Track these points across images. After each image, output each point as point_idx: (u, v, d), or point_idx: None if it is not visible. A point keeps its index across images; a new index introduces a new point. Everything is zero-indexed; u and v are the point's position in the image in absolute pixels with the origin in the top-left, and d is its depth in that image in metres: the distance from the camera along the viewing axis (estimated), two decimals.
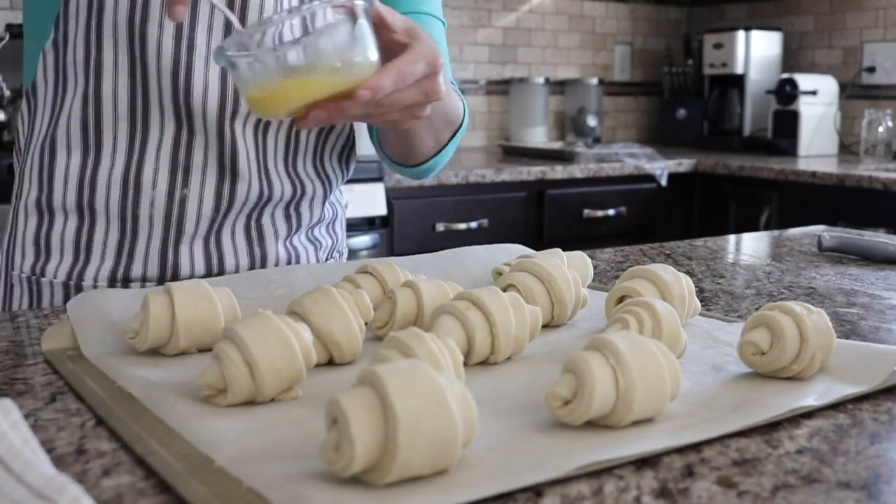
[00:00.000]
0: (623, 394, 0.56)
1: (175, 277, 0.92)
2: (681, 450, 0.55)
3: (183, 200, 0.91)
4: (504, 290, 0.80)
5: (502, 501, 0.48)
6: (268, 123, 0.92)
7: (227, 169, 0.91)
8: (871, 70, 3.25)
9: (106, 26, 0.86)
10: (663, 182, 2.82)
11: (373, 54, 0.70)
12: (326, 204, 1.03)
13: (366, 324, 0.75)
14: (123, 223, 0.91)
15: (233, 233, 0.94)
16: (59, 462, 0.52)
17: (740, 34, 3.30)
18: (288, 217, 0.97)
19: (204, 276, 0.93)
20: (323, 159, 0.99)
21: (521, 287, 0.81)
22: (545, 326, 0.81)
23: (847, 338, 0.78)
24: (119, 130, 0.89)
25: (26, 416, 0.59)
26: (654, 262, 1.17)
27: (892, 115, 3.05)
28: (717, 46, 3.36)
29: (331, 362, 0.70)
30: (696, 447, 0.55)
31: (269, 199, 0.94)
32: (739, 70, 3.32)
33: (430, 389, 0.48)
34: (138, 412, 0.59)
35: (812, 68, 3.45)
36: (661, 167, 2.83)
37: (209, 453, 0.52)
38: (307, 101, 0.69)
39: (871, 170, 2.67)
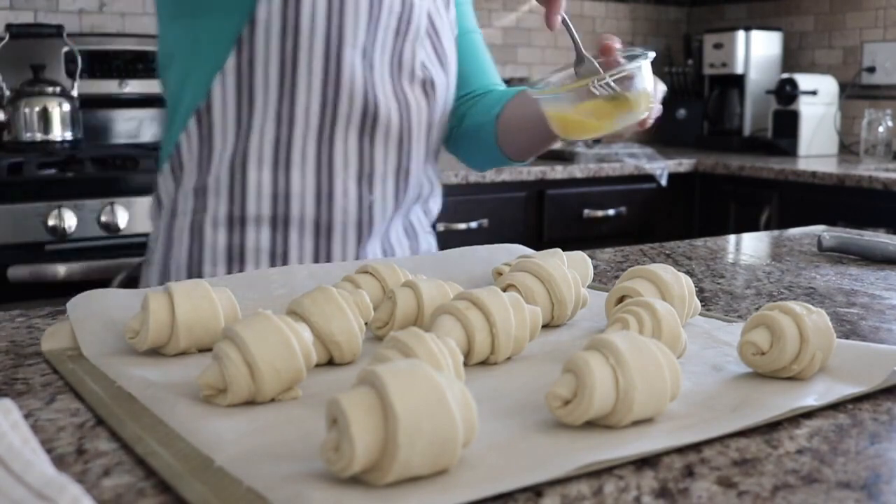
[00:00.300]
0: (623, 394, 0.56)
1: None
2: (681, 450, 0.55)
3: (370, 206, 1.03)
4: (504, 290, 0.80)
5: (502, 501, 0.48)
6: (437, 138, 1.09)
7: (402, 175, 1.05)
8: (871, 70, 3.25)
9: (302, 49, 0.94)
10: (663, 182, 2.82)
11: (650, 88, 0.89)
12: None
13: (366, 324, 0.75)
14: (317, 230, 1.01)
15: (396, 231, 1.09)
16: (59, 462, 0.52)
17: (740, 34, 3.30)
18: (426, 212, 1.15)
19: None
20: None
21: (521, 287, 0.81)
22: (545, 326, 0.81)
23: (847, 338, 0.78)
24: (308, 146, 0.98)
25: (26, 416, 0.59)
26: (654, 262, 1.17)
27: (892, 115, 3.05)
28: (717, 46, 3.36)
29: (331, 362, 0.70)
30: (696, 447, 0.55)
31: (419, 196, 1.11)
32: (739, 70, 3.32)
33: (430, 389, 0.48)
34: (138, 412, 0.59)
35: (812, 68, 3.45)
36: (661, 167, 2.83)
37: (209, 453, 0.52)
38: (609, 129, 0.88)
39: (871, 170, 2.67)
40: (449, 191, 2.69)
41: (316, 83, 0.96)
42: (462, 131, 1.16)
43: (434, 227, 1.20)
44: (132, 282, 1.25)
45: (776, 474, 0.51)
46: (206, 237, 1.00)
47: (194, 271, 1.01)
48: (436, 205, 1.15)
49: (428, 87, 1.05)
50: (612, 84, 0.84)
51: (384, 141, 1.01)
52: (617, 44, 0.90)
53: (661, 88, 0.94)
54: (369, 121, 0.98)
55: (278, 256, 1.00)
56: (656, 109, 0.93)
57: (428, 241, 1.16)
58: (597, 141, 3.33)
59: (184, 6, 1.00)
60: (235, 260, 1.00)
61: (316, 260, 1.01)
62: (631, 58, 0.89)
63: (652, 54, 0.88)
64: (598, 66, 0.88)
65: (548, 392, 0.57)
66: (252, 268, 1.00)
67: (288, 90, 0.96)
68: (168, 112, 1.06)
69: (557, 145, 1.15)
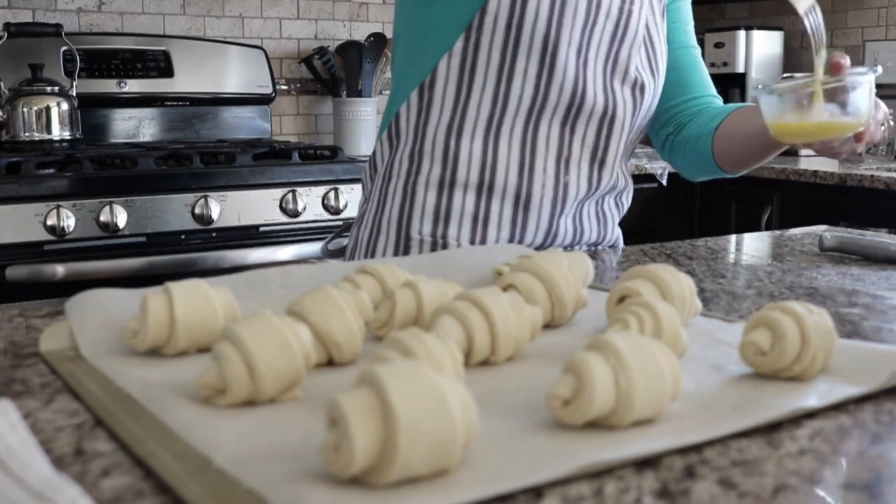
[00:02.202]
0: (623, 394, 0.56)
1: (552, 244, 1.15)
2: (682, 450, 0.54)
3: (566, 185, 1.13)
4: (504, 290, 0.80)
5: (502, 502, 0.47)
6: (635, 139, 1.19)
7: (596, 164, 1.14)
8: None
9: (523, 41, 1.06)
10: (664, 182, 2.82)
11: (871, 108, 0.94)
12: None
13: (366, 324, 0.75)
14: (517, 200, 1.11)
15: (588, 212, 1.17)
16: (57, 463, 0.52)
17: (741, 33, 3.30)
18: (618, 205, 1.23)
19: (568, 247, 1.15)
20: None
21: (521, 287, 0.81)
22: (545, 326, 0.81)
23: (849, 338, 0.78)
24: (516, 125, 1.10)
25: (25, 417, 0.59)
26: (655, 262, 1.17)
27: (894, 114, 3.05)
28: (718, 45, 3.35)
29: (330, 363, 0.70)
30: (697, 448, 0.55)
31: (614, 187, 1.18)
32: (740, 69, 3.32)
33: (430, 390, 0.48)
34: (137, 413, 0.59)
35: (813, 67, 3.45)
36: (662, 167, 2.82)
37: (208, 454, 0.52)
38: (824, 136, 0.94)
39: (872, 170, 2.66)
40: None
41: (532, 72, 1.07)
42: (679, 140, 1.25)
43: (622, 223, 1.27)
44: (341, 238, 1.34)
45: (777, 475, 0.51)
46: (418, 197, 1.12)
47: (403, 227, 1.12)
48: (627, 200, 1.24)
49: (637, 89, 1.14)
50: (834, 86, 0.90)
51: (583, 130, 1.12)
52: (846, 61, 0.94)
53: (885, 110, 0.99)
54: (573, 111, 1.09)
55: (479, 220, 1.11)
56: (875, 130, 0.97)
57: (616, 232, 1.24)
58: None
59: None
60: (441, 220, 1.11)
61: (513, 228, 1.12)
62: (856, 75, 0.92)
63: (879, 69, 0.93)
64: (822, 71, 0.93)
65: (548, 392, 0.57)
66: (455, 229, 1.11)
67: (506, 75, 1.07)
68: (392, 86, 1.19)
69: (768, 160, 1.17)
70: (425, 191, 1.12)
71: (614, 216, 1.22)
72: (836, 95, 0.91)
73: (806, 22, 0.94)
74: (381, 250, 1.14)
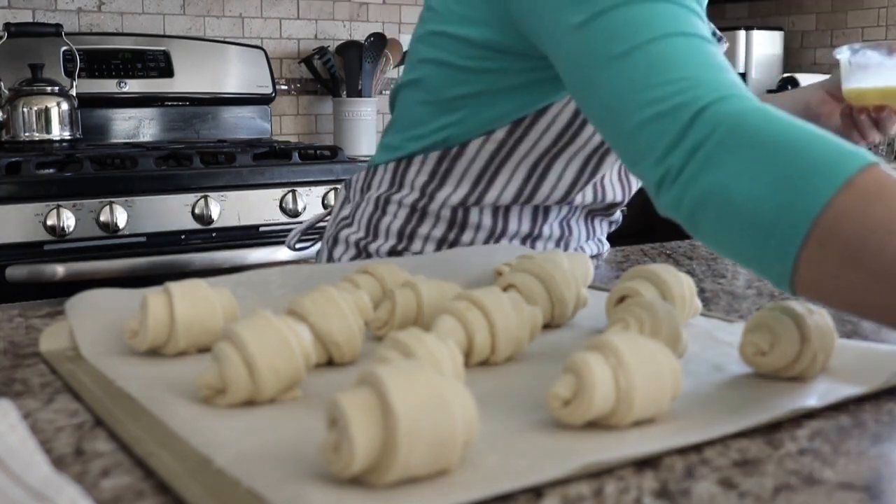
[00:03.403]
0: (623, 394, 0.56)
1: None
2: (681, 450, 0.54)
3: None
4: (504, 290, 0.80)
5: (502, 502, 0.47)
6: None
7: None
8: None
9: (573, 147, 1.02)
10: None
11: None
12: None
13: (366, 324, 0.75)
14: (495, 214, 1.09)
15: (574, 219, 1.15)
16: (57, 463, 0.52)
17: (741, 33, 3.30)
18: (611, 223, 1.24)
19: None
20: None
21: (521, 287, 0.81)
22: (545, 326, 0.81)
23: (849, 338, 0.78)
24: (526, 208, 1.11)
25: (25, 417, 0.59)
26: (655, 262, 1.17)
27: None
28: None
29: (330, 363, 0.70)
30: (697, 448, 0.55)
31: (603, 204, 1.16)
32: (740, 69, 3.32)
33: (430, 390, 0.48)
34: (137, 412, 0.59)
35: (813, 67, 3.45)
36: None
37: (208, 454, 0.52)
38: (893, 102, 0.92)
39: None
40: None
41: (568, 177, 1.06)
42: None
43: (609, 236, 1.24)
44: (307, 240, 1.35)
45: (777, 475, 0.51)
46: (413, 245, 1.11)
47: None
48: (619, 214, 1.22)
49: (623, 176, 1.14)
50: None
51: (580, 218, 1.14)
52: None
53: None
54: (581, 201, 1.10)
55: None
56: None
57: (602, 236, 1.21)
58: None
59: None
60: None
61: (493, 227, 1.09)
62: None
63: None
64: None
65: (548, 392, 0.57)
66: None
67: (538, 174, 1.06)
68: (403, 109, 1.14)
69: None
70: (423, 241, 1.09)
71: (604, 228, 1.21)
72: None
73: None
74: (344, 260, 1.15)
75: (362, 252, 1.13)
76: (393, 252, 1.10)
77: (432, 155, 1.06)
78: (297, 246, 1.35)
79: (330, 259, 1.17)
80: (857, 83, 0.91)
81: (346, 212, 1.18)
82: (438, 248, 1.09)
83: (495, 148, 1.02)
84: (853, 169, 0.59)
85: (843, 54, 0.92)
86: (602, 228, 1.20)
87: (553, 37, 0.81)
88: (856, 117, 0.95)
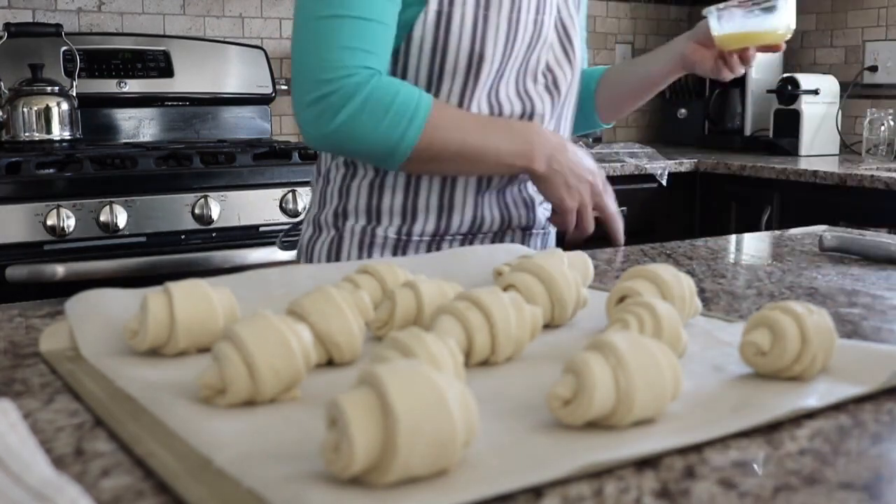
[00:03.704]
0: (623, 394, 0.56)
1: (479, 229, 1.22)
2: (681, 450, 0.54)
3: (489, 178, 1.20)
4: (504, 290, 0.80)
5: (502, 502, 0.47)
6: (563, 125, 1.28)
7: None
8: (874, 69, 3.25)
9: (448, 62, 1.12)
10: (664, 182, 2.82)
11: (794, 23, 1.20)
12: None
13: (366, 324, 0.75)
14: (442, 193, 1.19)
15: (513, 198, 1.25)
16: (57, 463, 0.52)
17: None
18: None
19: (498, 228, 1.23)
20: None
21: (521, 287, 0.81)
22: (545, 326, 0.81)
23: (849, 338, 0.78)
24: None
25: (25, 417, 0.59)
26: (655, 261, 1.17)
27: (894, 114, 3.04)
28: None
29: (330, 363, 0.70)
30: (697, 448, 0.55)
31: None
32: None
33: (430, 390, 0.48)
34: (137, 413, 0.59)
35: (813, 68, 3.45)
36: (662, 167, 2.83)
37: (208, 454, 0.52)
38: (753, 43, 1.20)
39: (872, 169, 2.66)
40: None
41: (456, 90, 1.15)
42: None
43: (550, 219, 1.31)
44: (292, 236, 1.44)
45: (777, 475, 0.51)
46: (352, 197, 1.22)
47: (339, 224, 1.23)
48: None
49: (551, 85, 1.23)
50: (766, 5, 1.17)
51: None
52: None
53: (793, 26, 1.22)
54: (494, 111, 1.17)
55: (408, 213, 1.21)
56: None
57: (543, 215, 1.30)
58: (597, 140, 3.33)
59: None
60: (373, 216, 1.21)
61: (439, 220, 1.20)
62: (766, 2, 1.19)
63: None
64: None
65: (548, 392, 0.57)
66: (387, 221, 1.20)
67: (433, 93, 1.14)
68: None
69: (639, 105, 1.43)
70: (357, 192, 1.21)
71: (539, 198, 1.27)
72: (767, 10, 1.18)
73: None
74: (319, 250, 1.24)
75: (339, 229, 1.23)
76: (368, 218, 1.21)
77: None
78: (285, 241, 1.44)
79: (311, 247, 1.25)
80: (724, 30, 1.19)
81: (314, 199, 1.29)
82: (368, 193, 1.20)
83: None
84: (428, 105, 1.06)
85: (711, 14, 1.20)
86: (538, 197, 1.27)
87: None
88: (726, 58, 1.22)
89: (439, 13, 1.10)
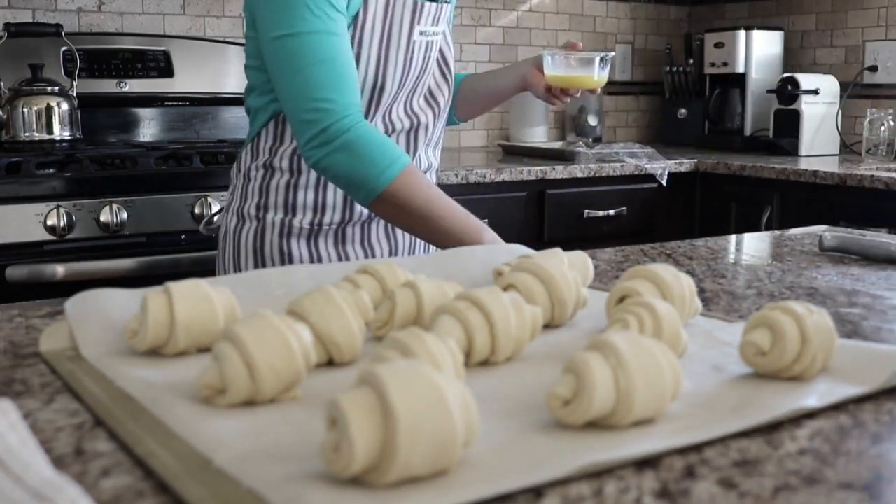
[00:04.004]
0: (623, 394, 0.56)
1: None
2: (682, 450, 0.54)
3: None
4: (504, 290, 0.80)
5: (502, 502, 0.47)
6: (439, 131, 1.51)
7: (412, 154, 1.45)
8: (874, 69, 3.25)
9: (391, 56, 1.36)
10: (664, 182, 2.81)
11: (606, 78, 1.49)
12: None
13: (366, 324, 0.75)
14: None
15: None
16: (57, 463, 0.52)
17: (741, 33, 3.30)
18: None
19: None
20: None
21: (522, 287, 0.81)
22: (545, 326, 0.81)
23: (849, 338, 0.78)
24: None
25: (25, 417, 0.59)
26: (655, 262, 1.17)
27: (894, 114, 3.04)
28: (718, 45, 3.35)
29: (330, 363, 0.70)
30: (697, 448, 0.55)
31: (421, 168, 1.48)
32: (740, 69, 3.32)
33: (430, 390, 0.48)
34: (137, 413, 0.59)
35: (813, 67, 3.45)
36: (662, 167, 2.83)
37: (208, 454, 0.52)
38: (570, 86, 1.47)
39: (872, 169, 2.66)
40: (449, 190, 2.68)
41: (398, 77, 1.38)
42: None
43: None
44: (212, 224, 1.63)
45: (777, 475, 0.51)
46: (271, 195, 1.42)
47: (260, 217, 1.41)
48: (432, 175, 1.53)
49: (432, 100, 1.47)
50: (600, 60, 1.46)
51: (400, 139, 1.43)
52: (581, 46, 1.49)
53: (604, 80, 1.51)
54: (388, 129, 1.41)
55: (318, 209, 1.41)
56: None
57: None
58: (597, 140, 3.33)
59: None
60: (289, 210, 1.41)
61: (344, 211, 1.40)
62: (596, 54, 1.48)
63: (612, 54, 1.51)
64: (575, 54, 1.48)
65: (548, 392, 0.57)
66: (300, 216, 1.39)
67: (381, 82, 1.36)
68: (251, 111, 1.48)
69: (490, 109, 1.71)
70: (276, 190, 1.40)
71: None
72: (588, 63, 1.46)
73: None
74: (245, 237, 1.41)
75: (260, 221, 1.41)
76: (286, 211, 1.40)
77: (270, 124, 1.41)
78: (208, 227, 1.63)
79: (237, 234, 1.42)
80: (551, 72, 1.46)
81: (236, 192, 1.47)
82: (285, 192, 1.40)
83: None
84: (402, 166, 1.25)
85: (545, 57, 1.47)
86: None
87: (262, 42, 1.31)
88: (554, 91, 1.49)
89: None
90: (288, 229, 1.38)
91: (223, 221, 1.46)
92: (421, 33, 1.39)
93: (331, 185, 1.38)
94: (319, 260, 1.40)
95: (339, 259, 1.41)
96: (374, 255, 1.43)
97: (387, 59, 1.35)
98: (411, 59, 1.38)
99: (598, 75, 1.48)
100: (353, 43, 1.31)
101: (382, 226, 1.44)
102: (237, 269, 1.40)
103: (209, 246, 2.09)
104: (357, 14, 1.32)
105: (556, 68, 1.47)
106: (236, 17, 2.84)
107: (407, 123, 1.42)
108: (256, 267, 1.39)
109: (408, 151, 1.43)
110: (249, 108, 1.44)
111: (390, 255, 1.45)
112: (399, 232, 1.46)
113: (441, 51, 1.47)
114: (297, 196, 1.39)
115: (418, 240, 1.48)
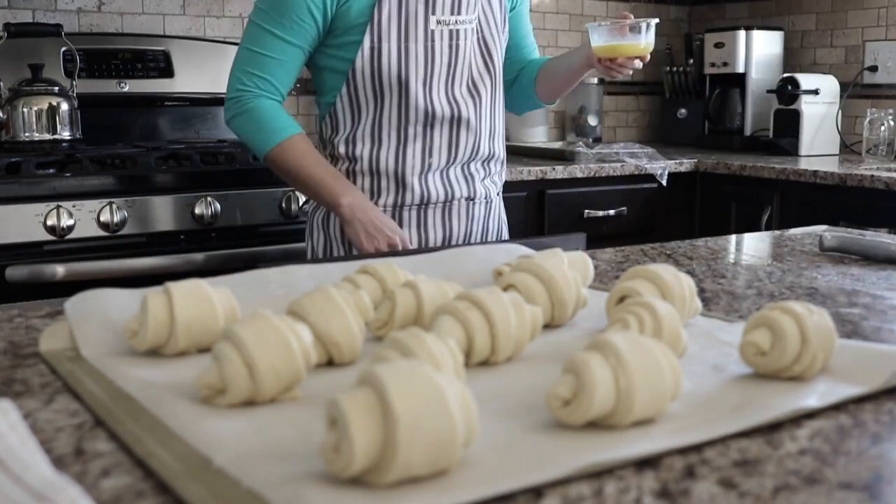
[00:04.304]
0: (624, 394, 0.56)
1: (428, 201, 1.58)
2: (682, 450, 0.54)
3: (429, 164, 1.58)
4: (504, 290, 0.80)
5: (502, 502, 0.47)
6: (492, 119, 1.65)
7: (453, 146, 1.59)
8: (873, 69, 3.25)
9: (384, 83, 1.51)
10: (664, 182, 2.81)
11: (652, 43, 1.54)
12: None
13: (366, 324, 0.75)
14: (396, 177, 1.57)
15: (455, 173, 1.62)
16: (57, 463, 0.52)
17: (741, 33, 3.30)
18: (484, 166, 1.67)
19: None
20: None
21: (522, 287, 0.81)
22: (545, 326, 0.81)
23: (849, 338, 0.78)
24: (391, 134, 1.57)
25: (25, 417, 0.59)
26: (655, 262, 1.17)
27: (894, 114, 3.04)
28: (718, 45, 3.35)
29: (330, 363, 0.70)
30: (697, 448, 0.55)
31: (476, 156, 1.63)
32: (740, 69, 3.32)
33: (430, 390, 0.48)
34: (137, 413, 0.59)
35: (813, 67, 3.44)
36: (662, 167, 2.82)
37: (208, 454, 0.52)
38: (617, 55, 1.52)
39: (872, 169, 2.66)
40: None
41: (395, 101, 1.53)
42: (513, 91, 1.78)
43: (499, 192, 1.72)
44: None
45: (777, 475, 0.51)
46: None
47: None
48: (497, 165, 1.67)
49: (474, 91, 1.58)
50: (644, 27, 1.51)
51: (439, 129, 1.56)
52: (630, 15, 1.55)
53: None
54: (429, 119, 1.54)
55: (373, 193, 1.58)
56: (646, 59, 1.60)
57: (484, 189, 1.65)
58: (597, 140, 3.33)
59: None
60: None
61: (396, 195, 1.56)
62: (642, 21, 1.51)
63: (655, 20, 1.55)
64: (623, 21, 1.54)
65: (548, 392, 0.57)
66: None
67: (378, 105, 1.54)
68: (319, 95, 1.68)
69: (572, 87, 1.78)
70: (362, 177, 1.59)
71: (480, 175, 1.64)
72: (632, 31, 1.50)
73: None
74: (317, 217, 1.61)
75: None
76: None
77: (327, 115, 1.59)
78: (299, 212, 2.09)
79: (314, 216, 1.62)
80: (598, 43, 1.52)
81: None
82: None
83: (348, 98, 1.56)
84: (287, 134, 1.51)
85: (590, 28, 1.52)
86: (477, 174, 1.64)
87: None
88: (604, 62, 1.55)
89: (372, 48, 1.49)
90: None
91: (310, 207, 1.66)
92: (439, 22, 1.51)
93: (384, 173, 1.55)
94: None
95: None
96: (427, 242, 1.57)
97: (407, 51, 1.49)
98: (432, 48, 1.50)
99: (644, 42, 1.51)
100: (372, 39, 1.48)
101: (438, 211, 1.59)
102: (312, 246, 1.60)
103: (209, 246, 2.09)
104: (372, 12, 1.47)
105: (600, 39, 1.51)
106: (236, 17, 2.84)
107: (448, 112, 1.54)
108: (326, 244, 1.58)
109: (450, 139, 1.57)
110: (317, 103, 1.65)
111: (443, 241, 1.59)
112: (454, 217, 1.60)
113: (484, 41, 1.58)
114: (355, 181, 1.56)
115: (473, 224, 1.63)
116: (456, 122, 1.57)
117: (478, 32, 1.58)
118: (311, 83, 2.96)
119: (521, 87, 1.77)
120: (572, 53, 1.70)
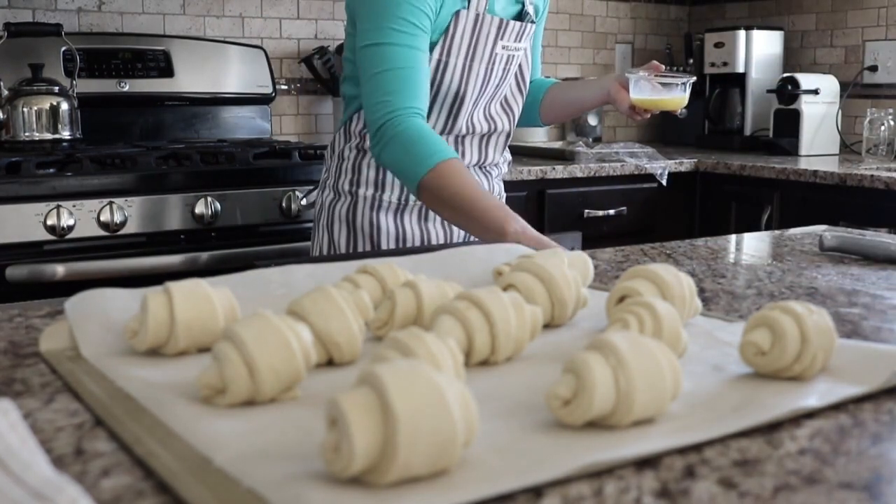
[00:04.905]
0: (623, 394, 0.56)
1: None
2: (681, 450, 0.54)
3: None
4: (504, 290, 0.80)
5: (502, 502, 0.47)
6: (510, 131, 1.69)
7: (483, 154, 1.65)
8: (874, 69, 3.25)
9: (438, 100, 1.53)
10: (664, 182, 2.81)
11: (687, 98, 1.61)
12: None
13: (366, 324, 0.75)
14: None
15: (476, 174, 1.66)
16: (57, 462, 0.52)
17: (741, 33, 3.30)
18: (496, 166, 1.71)
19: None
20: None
21: (521, 287, 0.81)
22: (545, 326, 0.81)
23: (849, 338, 0.78)
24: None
25: (25, 417, 0.59)
26: (655, 261, 1.17)
27: (894, 114, 3.04)
28: (718, 45, 3.35)
29: (330, 363, 0.70)
30: (697, 448, 0.55)
31: (493, 161, 1.69)
32: (740, 69, 3.32)
33: (430, 390, 0.48)
34: (137, 412, 0.59)
35: (813, 67, 3.45)
36: (662, 167, 2.82)
37: (208, 454, 0.52)
38: (654, 108, 1.60)
39: (872, 169, 2.66)
40: None
41: (443, 115, 1.55)
42: None
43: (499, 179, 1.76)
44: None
45: (777, 475, 0.51)
46: (362, 172, 1.61)
47: (353, 191, 1.59)
48: (505, 165, 1.73)
49: (508, 108, 1.65)
50: (681, 84, 1.59)
51: (470, 140, 1.61)
52: (663, 68, 1.59)
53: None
54: (469, 130, 1.59)
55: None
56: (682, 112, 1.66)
57: (491, 186, 1.68)
58: (597, 140, 3.33)
59: None
60: (379, 186, 1.59)
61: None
62: (678, 78, 1.59)
63: (693, 78, 1.62)
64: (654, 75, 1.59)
65: (548, 392, 0.57)
66: (389, 192, 1.56)
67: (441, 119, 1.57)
68: (352, 91, 1.64)
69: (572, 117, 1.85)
70: (368, 169, 1.58)
71: (493, 174, 1.69)
72: (668, 87, 1.58)
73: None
74: (339, 210, 1.59)
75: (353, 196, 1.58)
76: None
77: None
78: (305, 202, 1.98)
79: (332, 207, 1.60)
80: (638, 95, 1.57)
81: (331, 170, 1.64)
82: (376, 170, 1.57)
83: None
84: (439, 159, 1.35)
85: (630, 79, 1.58)
86: (493, 172, 1.68)
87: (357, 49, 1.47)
88: (637, 110, 1.60)
89: (439, 60, 1.50)
90: (378, 204, 1.56)
91: (318, 197, 1.66)
92: (503, 48, 1.57)
93: None
94: (405, 232, 1.56)
95: (422, 234, 1.58)
96: (429, 239, 1.58)
97: (470, 69, 1.52)
98: (492, 69, 1.56)
99: (681, 98, 1.60)
100: (441, 52, 1.49)
101: None
102: (331, 239, 1.59)
103: (209, 246, 2.09)
104: (448, 27, 1.49)
105: (642, 92, 1.58)
106: (236, 17, 2.84)
107: (485, 127, 1.61)
108: (349, 237, 1.58)
109: (480, 152, 1.63)
110: (344, 94, 1.60)
111: (445, 238, 1.59)
112: None
113: (520, 65, 1.64)
114: (385, 174, 1.55)
115: None
116: (487, 135, 1.63)
117: (519, 59, 1.65)
118: (311, 83, 2.98)
119: (524, 105, 1.79)
120: (587, 88, 1.71)
